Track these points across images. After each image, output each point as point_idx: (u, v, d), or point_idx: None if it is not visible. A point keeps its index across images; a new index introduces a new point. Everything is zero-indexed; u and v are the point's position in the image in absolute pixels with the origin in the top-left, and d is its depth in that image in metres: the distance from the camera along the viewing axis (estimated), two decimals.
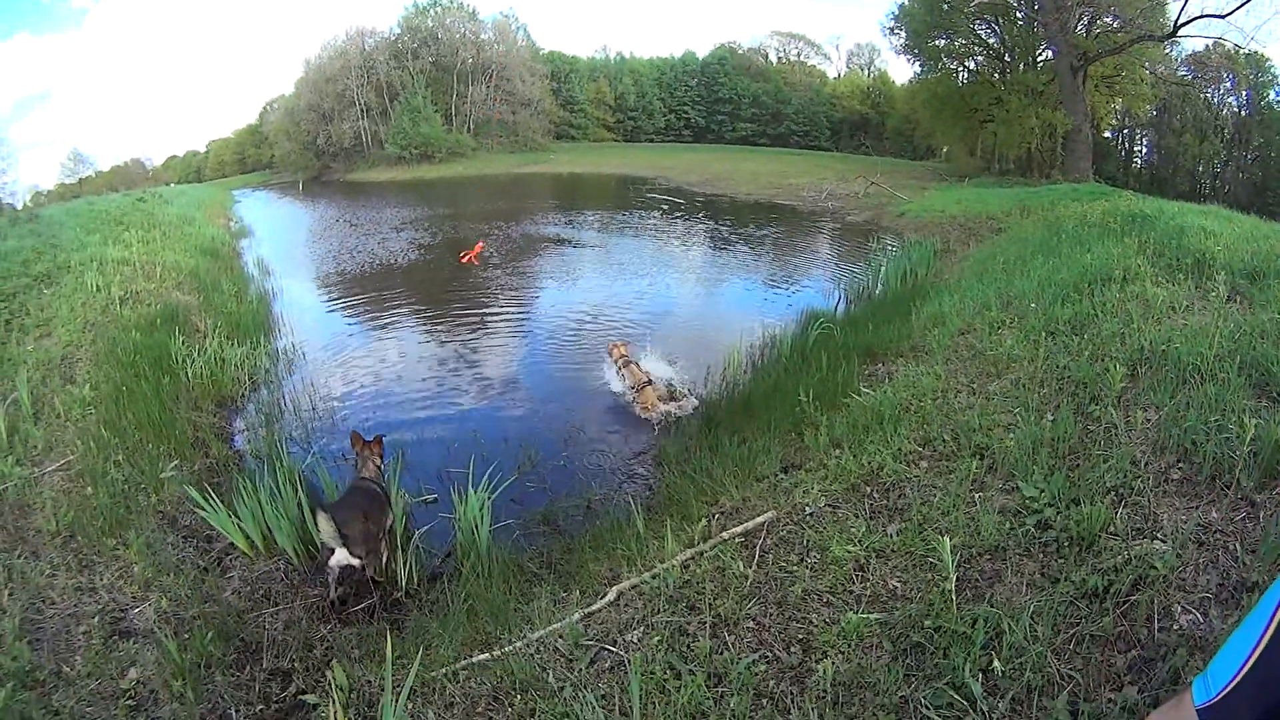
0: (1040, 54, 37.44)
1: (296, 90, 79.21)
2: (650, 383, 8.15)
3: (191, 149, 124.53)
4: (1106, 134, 47.30)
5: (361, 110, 73.36)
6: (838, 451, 5.09)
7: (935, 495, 4.12)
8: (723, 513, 4.76)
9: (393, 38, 75.75)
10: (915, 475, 4.43)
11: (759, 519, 4.34)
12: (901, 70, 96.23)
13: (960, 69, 43.10)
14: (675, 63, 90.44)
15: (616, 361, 8.87)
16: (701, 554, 4.07)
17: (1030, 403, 4.92)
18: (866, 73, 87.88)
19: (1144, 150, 52.71)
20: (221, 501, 5.10)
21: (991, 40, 39.73)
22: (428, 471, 6.53)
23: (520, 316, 11.99)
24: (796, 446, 5.61)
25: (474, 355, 10.21)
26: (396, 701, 3.05)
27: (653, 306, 12.72)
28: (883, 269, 13.39)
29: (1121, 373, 4.72)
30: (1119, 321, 6.05)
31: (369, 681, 3.64)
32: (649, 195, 36.63)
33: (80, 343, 8.52)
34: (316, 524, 4.35)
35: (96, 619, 4.22)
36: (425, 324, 12.01)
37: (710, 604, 3.59)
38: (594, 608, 3.85)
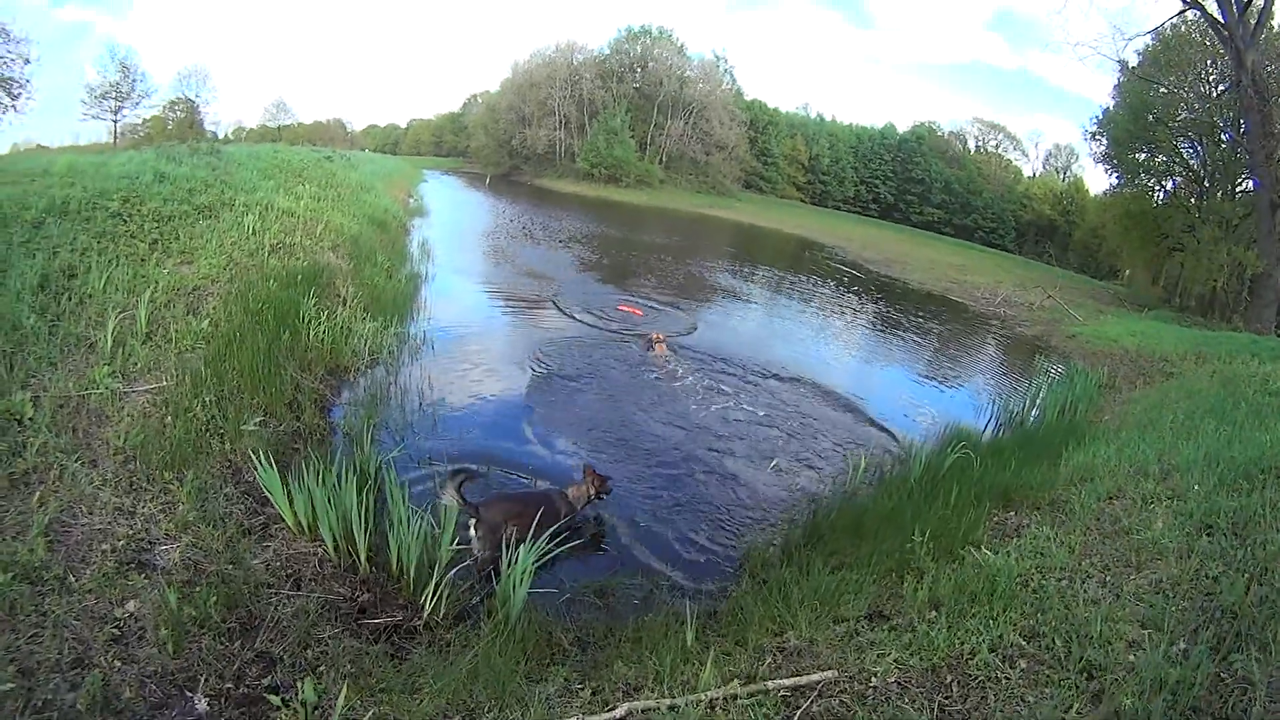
0: (1241, 183, 35.18)
1: (501, 89, 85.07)
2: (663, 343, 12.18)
3: (392, 122, 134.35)
4: None
5: (560, 121, 77.10)
6: (933, 615, 4.52)
7: (1020, 715, 3.57)
8: (783, 650, 4.33)
9: (601, 57, 79.86)
10: (1007, 679, 3.84)
11: (815, 676, 3.88)
12: (1097, 180, 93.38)
13: (1157, 188, 41.37)
14: (874, 133, 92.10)
15: (655, 344, 12.04)
16: (735, 698, 3.68)
17: (1165, 620, 4.19)
18: (1061, 177, 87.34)
19: None
20: (290, 471, 5.15)
21: (1193, 161, 37.77)
22: None
23: (661, 370, 11.46)
24: (893, 592, 5.08)
25: (595, 394, 9.83)
26: None
27: (796, 378, 12.18)
28: (1041, 395, 12.65)
29: None
30: None
31: (333, 704, 3.49)
32: (825, 263, 36.54)
33: (217, 278, 8.92)
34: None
35: (123, 543, 4.30)
36: (557, 349, 11.69)
37: None
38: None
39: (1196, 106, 34.91)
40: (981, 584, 4.73)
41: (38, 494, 4.44)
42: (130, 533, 4.41)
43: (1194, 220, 35.83)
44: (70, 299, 7.13)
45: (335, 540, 4.88)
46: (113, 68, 63.34)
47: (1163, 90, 35.88)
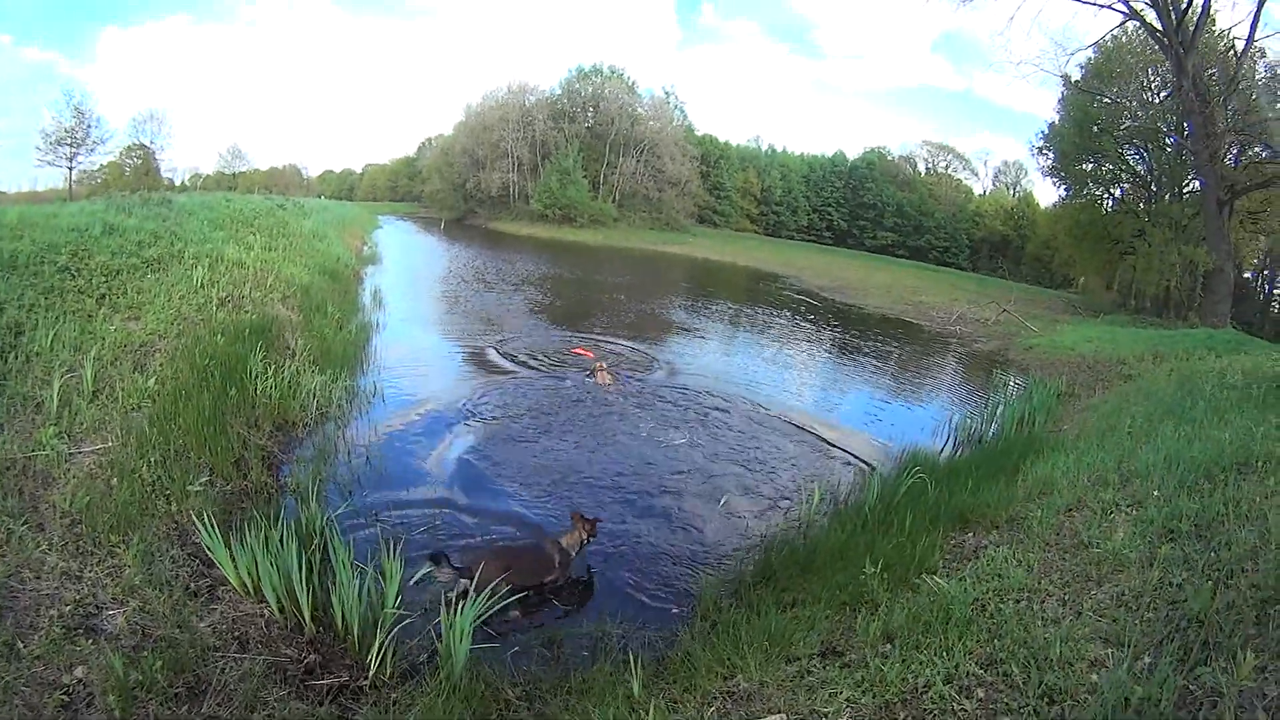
0: (1187, 184, 36.61)
1: (454, 133, 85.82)
2: (605, 371, 12.83)
3: (348, 167, 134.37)
4: (1246, 274, 45.28)
5: (513, 163, 77.29)
6: (887, 648, 4.40)
7: None
8: (732, 694, 4.25)
9: (552, 98, 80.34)
10: (963, 710, 3.71)
11: None
12: (1046, 193, 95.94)
13: (1105, 196, 42.63)
14: (825, 161, 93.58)
15: (598, 372, 12.75)
16: None
17: (1127, 636, 4.06)
18: (1011, 193, 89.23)
19: None
20: (235, 531, 5.16)
21: (1139, 167, 39.16)
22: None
23: (615, 410, 11.47)
24: (847, 627, 4.95)
25: (543, 437, 9.78)
26: None
27: (752, 409, 12.30)
28: (999, 410, 12.68)
29: (1250, 615, 3.89)
30: (1254, 532, 4.93)
31: None
32: (780, 294, 36.99)
33: (165, 333, 8.89)
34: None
35: (70, 608, 4.32)
36: (507, 394, 11.66)
37: None
38: None
39: (1140, 114, 36.28)
40: (936, 613, 4.64)
41: None
42: (77, 597, 4.42)
43: (1143, 224, 36.89)
44: (16, 357, 7.11)
45: (280, 601, 4.88)
46: (68, 112, 62.35)
47: (1106, 101, 37.14)
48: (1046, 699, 3.66)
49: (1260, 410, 8.94)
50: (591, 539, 6.36)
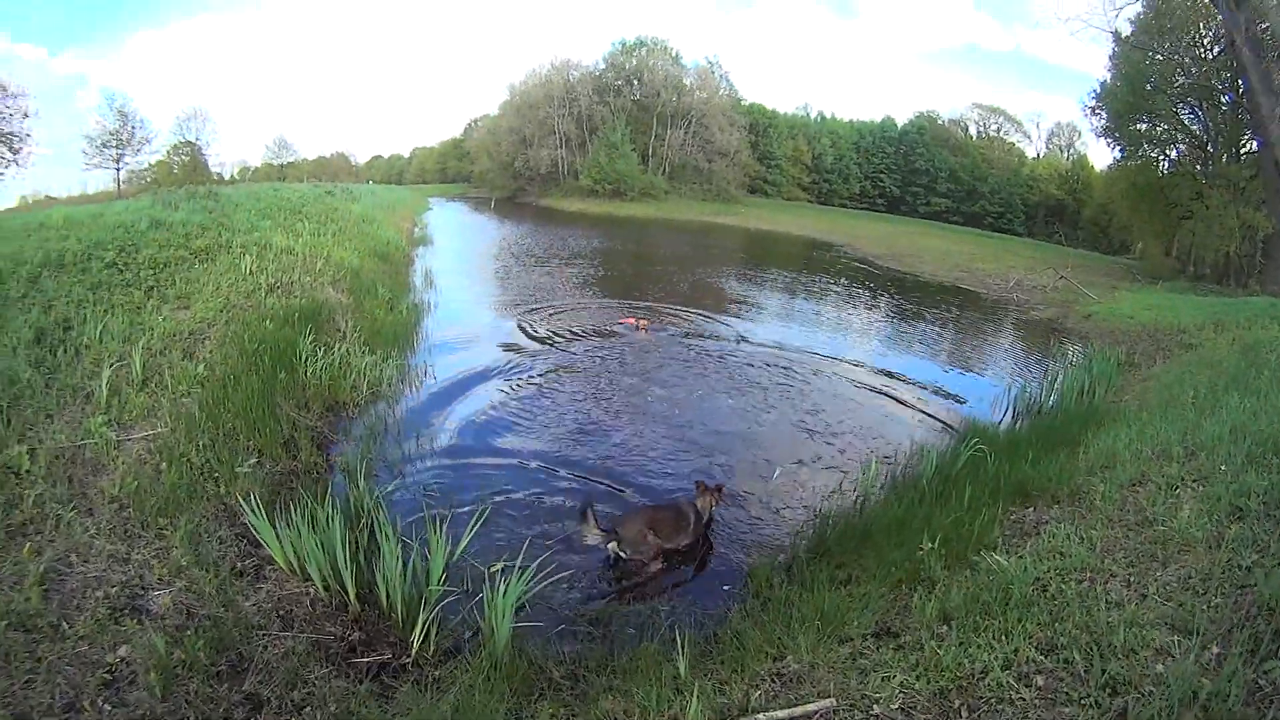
0: (1245, 144, 34.52)
1: (500, 112, 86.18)
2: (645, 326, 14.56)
3: (396, 152, 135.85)
4: None
5: (560, 139, 77.44)
6: (944, 629, 4.24)
7: None
8: (780, 676, 4.11)
9: (597, 73, 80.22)
10: (1022, 700, 3.52)
11: (812, 706, 3.64)
12: (1101, 155, 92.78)
13: (1161, 157, 40.71)
14: (874, 127, 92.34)
15: (639, 327, 14.33)
16: None
17: (1195, 623, 3.83)
18: (1065, 155, 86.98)
19: None
20: (281, 511, 5.17)
21: (1195, 126, 37.16)
22: (515, 530, 6.24)
23: (670, 378, 11.42)
24: (903, 606, 4.78)
25: (605, 415, 9.61)
26: None
27: (807, 375, 12.25)
28: (1058, 379, 12.29)
29: None
30: None
31: None
32: (835, 262, 36.61)
33: (214, 321, 8.99)
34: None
35: (116, 589, 4.38)
36: (558, 367, 11.60)
37: None
38: None
39: (1193, 70, 34.37)
40: (995, 593, 4.47)
41: (32, 544, 4.52)
42: (124, 579, 4.47)
43: (1201, 186, 35.24)
44: (66, 351, 7.22)
45: (325, 579, 4.88)
46: (111, 115, 64.21)
47: (1158, 57, 35.42)
48: (1109, 690, 3.49)
49: None
50: (718, 498, 6.61)
